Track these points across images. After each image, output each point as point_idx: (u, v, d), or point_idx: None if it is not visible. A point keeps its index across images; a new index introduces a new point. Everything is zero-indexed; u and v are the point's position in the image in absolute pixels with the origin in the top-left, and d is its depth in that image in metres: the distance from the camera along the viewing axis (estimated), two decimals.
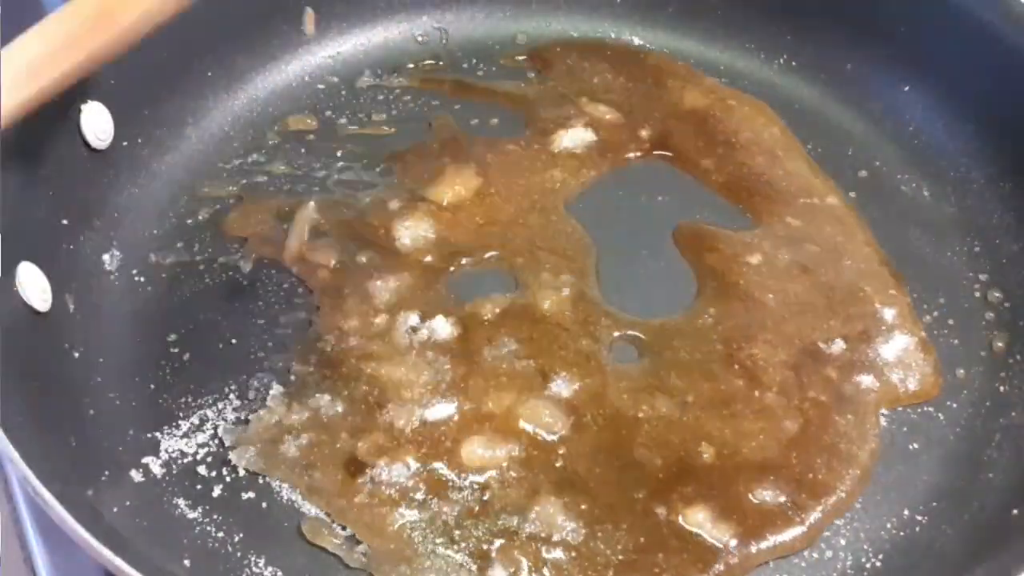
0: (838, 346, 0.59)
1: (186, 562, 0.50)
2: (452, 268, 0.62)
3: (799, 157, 0.69)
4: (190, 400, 0.56)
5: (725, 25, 0.76)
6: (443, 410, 0.55)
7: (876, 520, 0.53)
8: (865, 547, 0.52)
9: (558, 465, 0.54)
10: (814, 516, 0.52)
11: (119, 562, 0.42)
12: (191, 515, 0.52)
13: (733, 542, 0.51)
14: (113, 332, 0.59)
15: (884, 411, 0.57)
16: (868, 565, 0.52)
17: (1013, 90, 0.64)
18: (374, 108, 0.72)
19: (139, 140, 0.65)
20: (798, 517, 0.52)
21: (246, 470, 0.53)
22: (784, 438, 0.55)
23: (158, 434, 0.55)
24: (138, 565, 0.42)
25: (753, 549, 0.51)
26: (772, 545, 0.52)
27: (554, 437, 0.55)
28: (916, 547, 0.52)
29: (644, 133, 0.70)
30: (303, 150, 0.69)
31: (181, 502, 0.52)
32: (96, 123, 0.60)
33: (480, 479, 0.53)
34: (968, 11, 0.66)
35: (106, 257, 0.61)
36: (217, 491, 0.53)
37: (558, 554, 0.51)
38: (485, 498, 0.53)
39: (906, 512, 0.53)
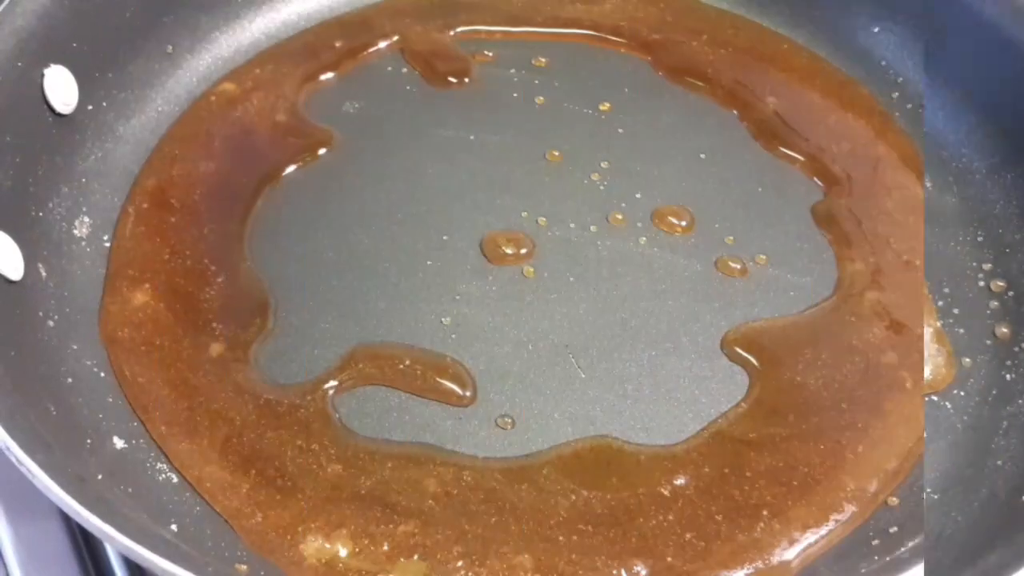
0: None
1: (173, 527, 0.48)
2: None
3: None
4: None
5: None
6: None
7: None
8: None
9: None
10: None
11: (108, 529, 0.41)
12: (176, 480, 0.51)
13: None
14: (87, 298, 0.57)
15: None
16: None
17: (1013, 81, 0.65)
18: None
19: (104, 104, 0.64)
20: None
21: None
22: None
23: None
24: (127, 531, 0.41)
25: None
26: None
27: None
28: (926, 535, 0.51)
29: None
30: None
31: (166, 467, 0.51)
32: (60, 88, 0.59)
33: None
34: (968, 4, 0.66)
35: (76, 223, 0.60)
36: None
37: None
38: None
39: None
